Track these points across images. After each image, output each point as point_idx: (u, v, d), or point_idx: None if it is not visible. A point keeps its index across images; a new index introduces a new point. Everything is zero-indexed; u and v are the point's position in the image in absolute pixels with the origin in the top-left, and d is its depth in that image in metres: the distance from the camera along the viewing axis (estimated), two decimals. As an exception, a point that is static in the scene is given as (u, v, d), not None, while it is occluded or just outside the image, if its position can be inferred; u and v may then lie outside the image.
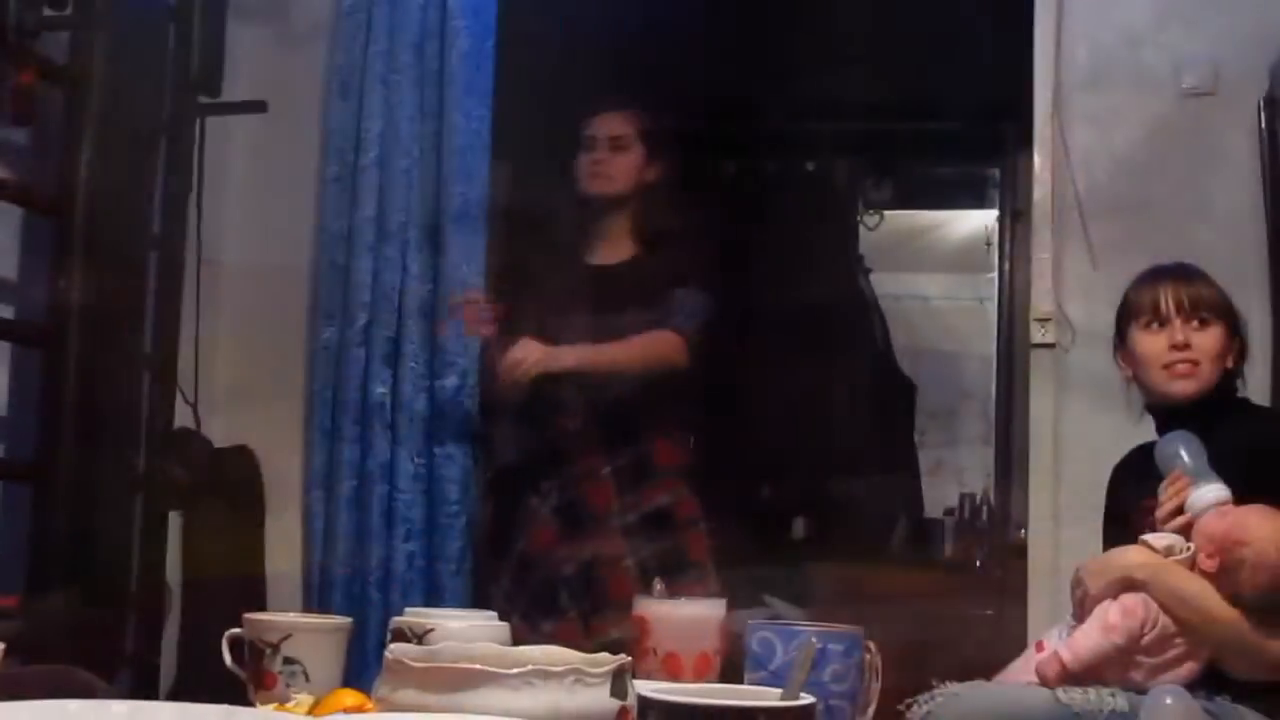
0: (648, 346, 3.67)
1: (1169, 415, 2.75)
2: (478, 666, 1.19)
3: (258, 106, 4.02)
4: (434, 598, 3.82)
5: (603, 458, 3.69)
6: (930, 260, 6.57)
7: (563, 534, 3.69)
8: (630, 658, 1.26)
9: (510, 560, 3.73)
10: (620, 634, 3.42)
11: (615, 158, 3.80)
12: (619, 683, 1.21)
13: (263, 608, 3.97)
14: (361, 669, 1.87)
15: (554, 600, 3.65)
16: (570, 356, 3.65)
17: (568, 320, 3.73)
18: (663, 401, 3.72)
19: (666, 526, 3.68)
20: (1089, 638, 2.48)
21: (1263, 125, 3.68)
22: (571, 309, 3.75)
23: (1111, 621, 2.47)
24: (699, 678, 1.84)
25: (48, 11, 3.34)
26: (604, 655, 1.26)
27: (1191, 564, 2.49)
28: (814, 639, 1.17)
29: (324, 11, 4.17)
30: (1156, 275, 2.81)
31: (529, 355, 3.61)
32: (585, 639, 3.41)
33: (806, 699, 1.09)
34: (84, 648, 3.19)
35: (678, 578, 3.35)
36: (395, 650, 1.28)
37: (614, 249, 3.83)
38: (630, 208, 3.82)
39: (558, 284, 3.79)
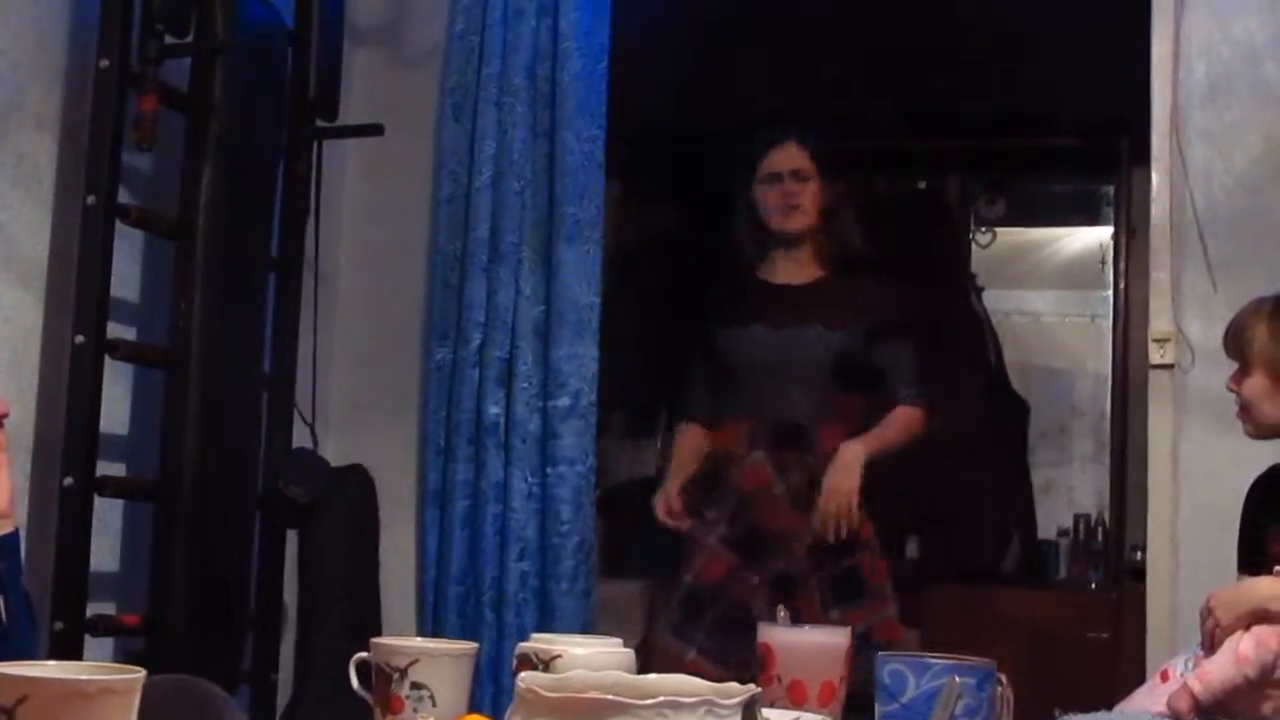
0: (906, 427, 3.82)
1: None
2: (610, 697, 1.19)
3: (374, 130, 4.06)
4: (546, 617, 3.83)
5: None
6: (1042, 277, 6.52)
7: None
8: (759, 688, 1.26)
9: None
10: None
11: (803, 189, 3.88)
12: (749, 713, 1.21)
13: (378, 627, 4.01)
14: (475, 688, 1.88)
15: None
16: (863, 456, 3.71)
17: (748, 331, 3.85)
18: None
19: None
20: (1221, 669, 2.42)
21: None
22: (754, 323, 3.86)
23: (1244, 653, 2.41)
24: (823, 706, 1.82)
25: (169, 39, 3.40)
26: (734, 685, 1.25)
27: None
28: (956, 676, 1.16)
29: (437, 35, 4.21)
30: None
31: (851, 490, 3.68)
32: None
33: (950, 737, 1.08)
34: (204, 665, 3.25)
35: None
36: (526, 679, 1.27)
37: (799, 271, 3.91)
38: (815, 235, 3.91)
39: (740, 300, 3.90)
